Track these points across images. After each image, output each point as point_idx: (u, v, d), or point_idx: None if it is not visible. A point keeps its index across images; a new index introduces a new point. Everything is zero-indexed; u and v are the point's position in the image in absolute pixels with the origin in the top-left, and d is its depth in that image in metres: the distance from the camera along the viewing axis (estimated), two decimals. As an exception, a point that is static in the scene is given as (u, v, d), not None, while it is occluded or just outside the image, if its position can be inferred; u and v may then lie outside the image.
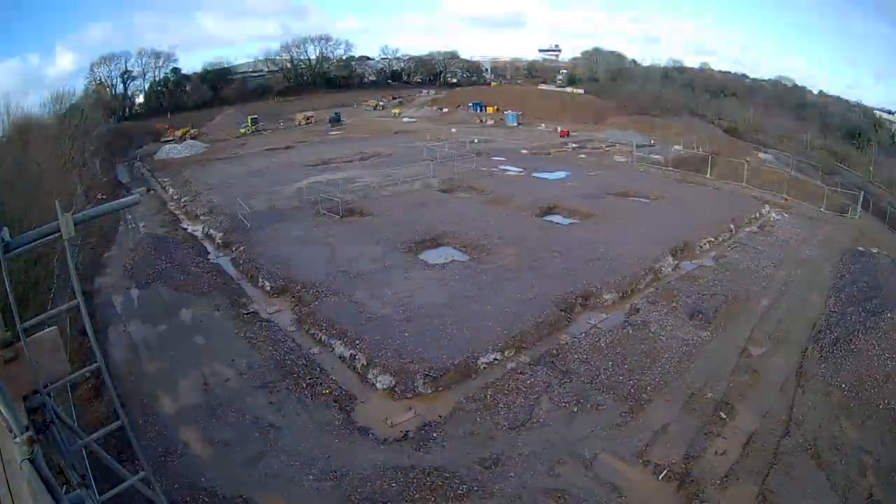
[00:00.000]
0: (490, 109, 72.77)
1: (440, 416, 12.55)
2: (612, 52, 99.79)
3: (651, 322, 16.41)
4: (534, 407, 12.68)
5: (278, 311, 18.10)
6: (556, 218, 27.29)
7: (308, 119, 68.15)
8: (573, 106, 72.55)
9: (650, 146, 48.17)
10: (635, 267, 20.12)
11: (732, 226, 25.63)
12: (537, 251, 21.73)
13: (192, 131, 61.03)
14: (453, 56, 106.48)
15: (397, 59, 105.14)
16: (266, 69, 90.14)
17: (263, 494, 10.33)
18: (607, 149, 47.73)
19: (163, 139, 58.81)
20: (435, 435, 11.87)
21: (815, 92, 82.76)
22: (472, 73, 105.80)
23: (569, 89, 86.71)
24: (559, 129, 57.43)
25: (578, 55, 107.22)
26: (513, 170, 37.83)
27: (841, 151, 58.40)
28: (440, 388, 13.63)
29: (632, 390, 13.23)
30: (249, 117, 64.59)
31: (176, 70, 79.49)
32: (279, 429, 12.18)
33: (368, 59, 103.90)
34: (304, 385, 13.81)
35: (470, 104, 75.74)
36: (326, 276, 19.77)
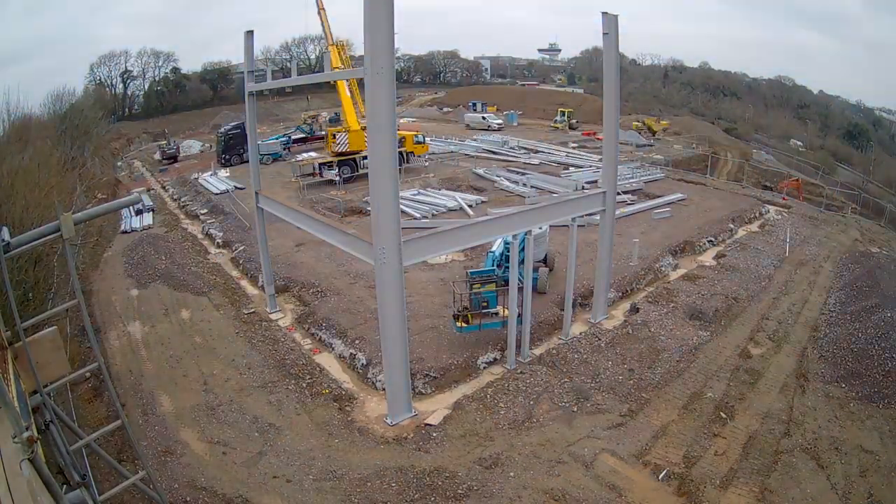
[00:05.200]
0: (490, 109, 72.70)
1: (440, 416, 12.54)
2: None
3: (651, 322, 16.39)
4: (534, 407, 12.68)
5: (278, 310, 18.10)
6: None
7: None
8: (573, 105, 72.55)
9: (650, 146, 48.15)
10: (635, 267, 20.12)
11: (732, 225, 25.62)
12: (537, 251, 21.69)
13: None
14: (453, 56, 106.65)
15: (397, 58, 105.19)
16: (266, 69, 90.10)
17: (263, 494, 10.33)
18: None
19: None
20: (435, 435, 11.86)
21: (816, 91, 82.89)
22: (472, 73, 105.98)
23: (569, 89, 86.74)
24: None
25: (578, 54, 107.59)
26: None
27: (841, 151, 58.51)
28: (440, 388, 13.65)
29: (632, 390, 13.23)
30: None
31: (176, 70, 79.49)
32: (279, 429, 12.18)
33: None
34: (304, 385, 13.82)
35: (470, 104, 75.68)
36: (326, 275, 19.78)
